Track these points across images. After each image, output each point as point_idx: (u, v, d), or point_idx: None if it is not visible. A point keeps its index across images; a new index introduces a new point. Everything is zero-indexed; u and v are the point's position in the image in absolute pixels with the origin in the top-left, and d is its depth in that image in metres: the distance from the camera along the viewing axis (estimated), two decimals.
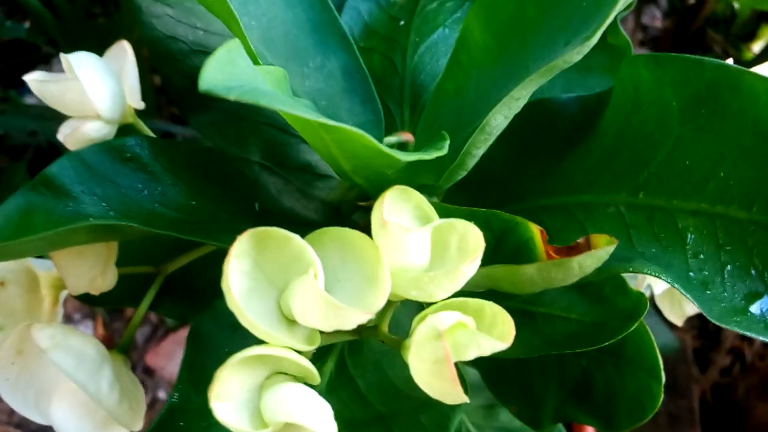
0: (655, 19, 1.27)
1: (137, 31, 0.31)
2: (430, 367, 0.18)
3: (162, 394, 0.94)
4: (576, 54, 0.19)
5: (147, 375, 0.97)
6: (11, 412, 1.00)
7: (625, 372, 0.29)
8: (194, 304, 0.33)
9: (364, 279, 0.19)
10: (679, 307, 0.32)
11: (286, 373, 0.19)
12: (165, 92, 1.02)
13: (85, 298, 0.31)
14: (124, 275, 0.30)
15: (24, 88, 1.14)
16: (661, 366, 0.27)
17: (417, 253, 0.19)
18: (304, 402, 0.17)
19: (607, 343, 0.25)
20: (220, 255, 0.34)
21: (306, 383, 0.19)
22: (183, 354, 0.23)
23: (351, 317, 0.17)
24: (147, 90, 0.78)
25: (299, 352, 0.19)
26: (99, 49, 0.28)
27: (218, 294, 0.28)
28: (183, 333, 1.00)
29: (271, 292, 0.19)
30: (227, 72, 0.17)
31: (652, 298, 0.36)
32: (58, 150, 1.01)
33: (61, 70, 0.27)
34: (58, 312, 0.30)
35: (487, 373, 0.34)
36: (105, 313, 0.96)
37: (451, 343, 0.18)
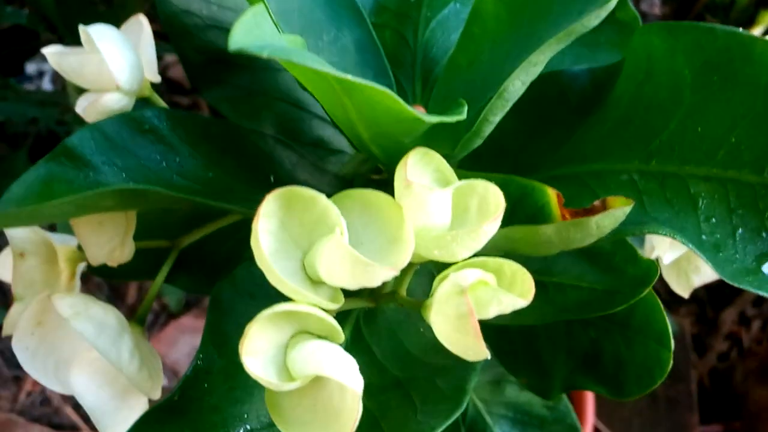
0: (654, 5, 1.27)
1: (141, 15, 0.31)
2: (454, 322, 0.18)
3: (165, 381, 0.95)
4: (594, 18, 0.20)
5: None
6: (14, 399, 1.00)
7: (634, 341, 0.30)
8: (209, 278, 0.34)
9: (387, 239, 0.19)
10: (686, 278, 0.33)
11: (310, 332, 0.20)
12: (165, 79, 1.02)
13: (102, 271, 0.32)
14: (139, 249, 0.30)
15: (23, 76, 1.14)
16: (671, 334, 0.28)
17: (439, 213, 0.19)
18: (331, 356, 0.18)
19: (618, 309, 0.25)
20: (235, 229, 0.34)
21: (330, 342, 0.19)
22: (206, 318, 0.24)
23: (377, 273, 0.18)
24: None
25: (324, 310, 0.19)
26: None
27: (235, 265, 0.28)
28: (185, 320, 1.00)
29: (296, 252, 0.20)
30: (254, 34, 0.18)
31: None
32: (58, 138, 1.02)
33: None
34: (75, 285, 0.31)
35: (497, 346, 0.35)
36: (106, 299, 0.97)
37: (474, 300, 0.18)
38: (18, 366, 1.01)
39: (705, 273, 0.33)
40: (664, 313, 0.28)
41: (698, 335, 1.02)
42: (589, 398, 0.69)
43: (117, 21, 0.29)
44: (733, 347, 1.02)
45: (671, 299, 0.99)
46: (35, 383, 1.01)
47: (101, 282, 0.95)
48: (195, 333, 1.00)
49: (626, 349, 0.30)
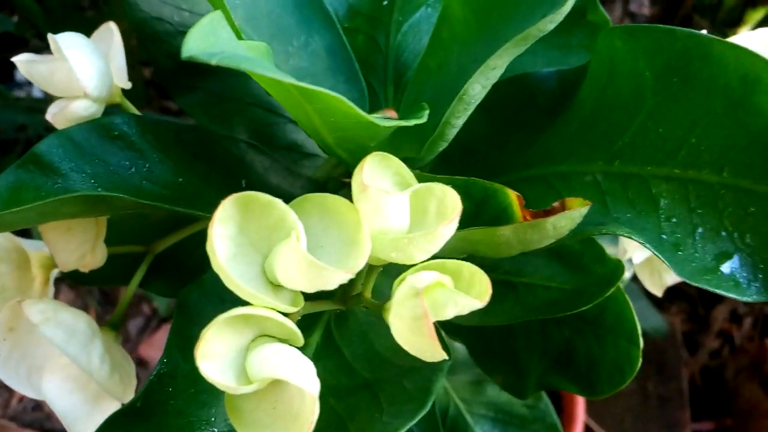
0: (642, 6, 1.27)
1: (126, 22, 0.31)
2: (409, 324, 0.18)
3: None
4: (549, 22, 0.20)
5: (140, 366, 0.97)
6: (6, 405, 1.00)
7: (606, 340, 0.30)
8: (184, 282, 0.34)
9: (345, 242, 0.20)
10: (658, 277, 0.33)
11: (270, 336, 0.20)
12: (155, 85, 1.02)
13: (76, 277, 0.32)
14: (114, 255, 0.30)
15: (12, 83, 1.14)
16: (639, 332, 0.28)
17: (396, 216, 0.19)
18: (288, 359, 0.18)
19: (586, 307, 0.26)
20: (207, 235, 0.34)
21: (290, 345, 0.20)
22: (171, 323, 0.24)
23: (332, 277, 0.18)
24: (137, 82, 0.78)
25: (284, 315, 0.19)
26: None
27: (206, 269, 0.28)
28: None
29: (255, 257, 0.20)
30: (209, 41, 0.18)
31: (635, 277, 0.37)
32: None
33: None
34: (49, 291, 0.31)
35: (474, 347, 0.35)
36: (97, 304, 0.97)
37: (430, 302, 0.18)
38: None
39: None
40: (633, 311, 0.28)
41: (690, 333, 1.03)
42: (579, 396, 0.69)
43: (98, 26, 0.29)
44: (725, 345, 1.02)
45: (662, 297, 1.00)
46: None
47: (93, 287, 0.95)
48: None
49: (598, 347, 0.30)
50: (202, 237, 0.34)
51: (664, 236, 0.22)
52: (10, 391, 1.00)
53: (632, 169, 0.24)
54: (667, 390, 0.97)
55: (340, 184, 0.32)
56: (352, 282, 0.21)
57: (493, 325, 0.36)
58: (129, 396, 0.28)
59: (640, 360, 0.28)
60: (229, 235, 0.19)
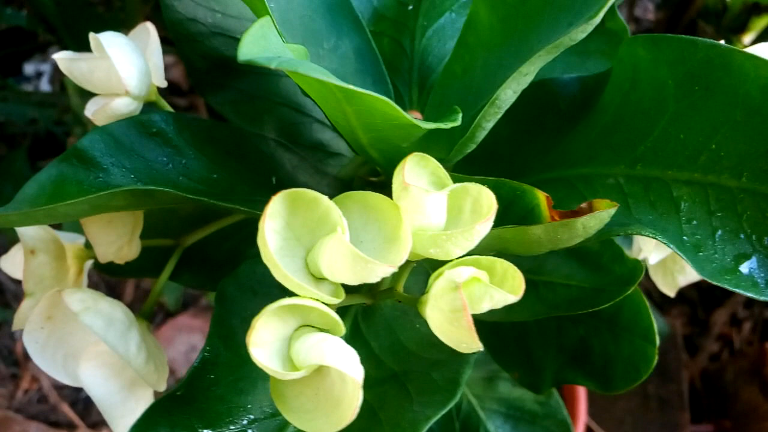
0: (647, 11, 1.29)
1: (141, 19, 0.32)
2: (448, 316, 0.20)
3: None
4: (581, 32, 0.21)
5: None
6: (11, 397, 1.01)
7: (621, 338, 0.31)
8: (210, 275, 0.35)
9: (385, 238, 0.21)
10: (671, 278, 0.34)
11: (312, 326, 0.21)
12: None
13: (109, 269, 0.33)
14: (145, 247, 0.31)
15: (21, 77, 1.14)
16: (656, 330, 0.29)
17: (435, 214, 0.20)
18: (333, 347, 0.19)
19: (605, 306, 0.27)
20: (236, 229, 0.35)
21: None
22: (213, 312, 0.25)
23: (377, 270, 0.19)
24: None
25: (325, 305, 0.20)
26: None
27: (237, 262, 0.29)
28: (182, 319, 1.01)
29: (299, 250, 0.21)
30: (261, 45, 0.19)
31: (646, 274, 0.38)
32: (56, 138, 1.02)
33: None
34: (83, 281, 0.32)
35: (491, 343, 0.36)
36: None
37: (467, 295, 0.19)
38: (15, 363, 1.02)
39: (690, 273, 0.34)
40: (650, 311, 0.29)
41: (690, 336, 1.04)
42: (581, 397, 0.70)
43: (116, 23, 0.30)
44: (724, 348, 1.03)
45: (663, 300, 1.00)
46: (32, 381, 1.02)
47: (99, 281, 0.96)
48: (191, 332, 1.01)
49: (614, 345, 0.31)
50: (230, 231, 0.35)
51: (685, 238, 0.23)
52: (15, 384, 1.01)
53: (654, 172, 0.25)
54: (667, 392, 0.98)
55: (365, 183, 0.33)
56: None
57: (509, 324, 0.37)
58: (162, 383, 0.29)
59: (656, 358, 0.29)
60: (276, 229, 0.20)
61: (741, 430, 0.95)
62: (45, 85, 1.14)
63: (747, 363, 0.99)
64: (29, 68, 1.15)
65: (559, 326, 0.34)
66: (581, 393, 0.70)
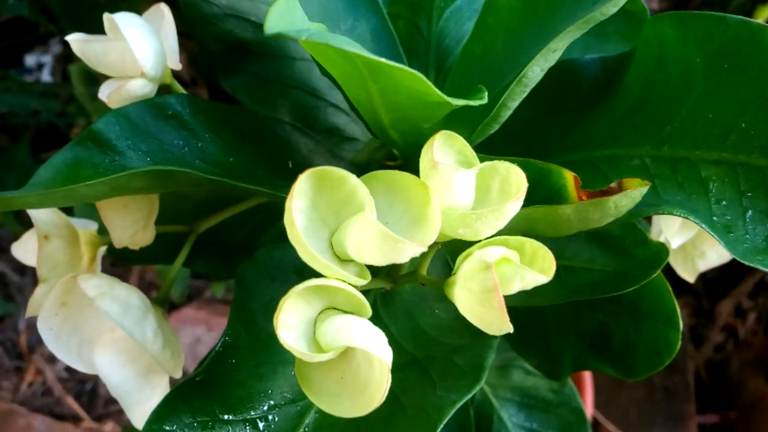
0: (651, 0, 1.28)
1: (144, 8, 0.32)
2: (479, 297, 0.19)
3: None
4: (612, 6, 0.20)
5: None
6: (15, 390, 1.01)
7: (642, 323, 0.30)
8: (224, 262, 0.34)
9: (412, 219, 0.20)
10: (691, 263, 0.34)
11: (337, 308, 0.20)
12: None
13: (123, 255, 0.32)
14: (159, 233, 0.31)
15: (22, 68, 1.14)
16: (679, 315, 0.29)
17: (464, 193, 0.20)
18: (362, 328, 0.19)
19: (628, 290, 0.26)
20: (251, 214, 0.35)
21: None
22: (233, 296, 0.24)
23: (407, 250, 0.18)
24: None
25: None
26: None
27: (252, 248, 0.29)
28: (187, 311, 1.01)
29: (324, 231, 0.20)
30: (287, 19, 0.19)
31: None
32: (59, 130, 1.02)
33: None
34: (96, 268, 0.31)
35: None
36: None
37: (498, 275, 0.19)
38: (19, 356, 1.02)
39: (710, 258, 0.34)
40: (673, 295, 0.29)
41: (695, 327, 1.03)
42: (588, 388, 0.70)
43: (118, 10, 0.29)
44: (729, 339, 1.03)
45: None
46: (36, 374, 1.02)
47: (102, 271, 0.96)
48: (196, 324, 1.01)
49: (634, 330, 0.31)
50: (244, 217, 0.35)
51: (714, 218, 0.23)
52: (19, 376, 1.01)
53: (681, 153, 0.24)
54: (673, 383, 0.98)
55: (381, 167, 0.32)
56: None
57: (524, 310, 0.36)
58: (179, 370, 0.28)
59: (679, 343, 0.28)
60: (302, 209, 0.19)
61: (746, 420, 0.95)
62: (46, 77, 1.14)
63: (752, 354, 0.99)
64: (30, 60, 1.15)
65: (577, 312, 0.34)
66: (588, 384, 0.70)
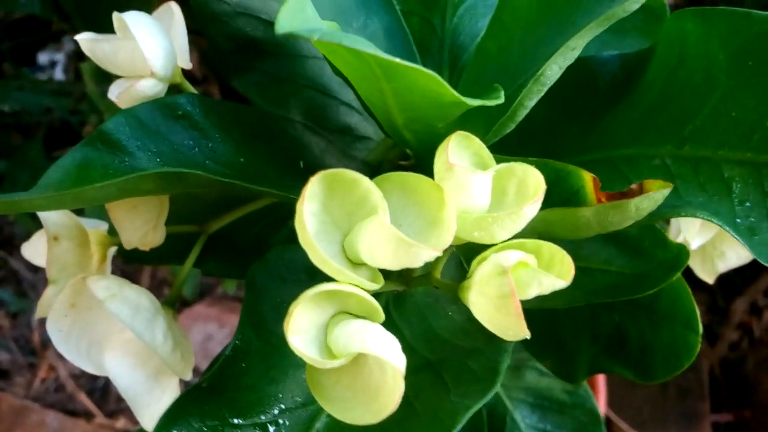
0: None
1: (155, 7, 0.31)
2: (495, 302, 0.19)
3: None
4: (635, 2, 0.20)
5: None
6: (28, 386, 1.01)
7: (660, 325, 0.30)
8: (235, 262, 0.34)
9: (426, 222, 0.20)
10: (711, 264, 0.33)
11: (349, 313, 0.20)
12: None
13: (133, 256, 0.32)
14: (169, 234, 0.31)
15: (35, 66, 1.14)
16: (698, 317, 0.28)
17: (480, 195, 0.19)
18: (375, 334, 0.18)
19: (647, 293, 0.26)
20: (262, 215, 0.34)
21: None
22: (243, 299, 0.24)
23: (421, 254, 0.18)
24: None
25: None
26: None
27: (263, 249, 0.29)
28: (198, 308, 1.01)
29: (336, 235, 0.20)
30: (299, 18, 0.18)
31: None
32: (71, 127, 1.02)
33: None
34: (106, 268, 0.31)
35: None
36: None
37: (515, 280, 0.18)
38: (32, 353, 1.03)
39: (730, 259, 0.33)
40: (692, 297, 0.28)
41: (709, 325, 1.02)
42: (601, 387, 0.69)
43: (130, 8, 0.29)
44: (744, 337, 1.02)
45: None
46: (49, 370, 1.02)
47: (114, 270, 0.96)
48: (207, 321, 1.01)
49: (652, 333, 0.30)
50: (254, 218, 0.34)
51: (738, 220, 0.22)
52: (32, 373, 1.02)
53: (704, 153, 0.24)
54: (687, 381, 0.97)
55: (394, 167, 0.32)
56: None
57: (538, 311, 0.36)
58: (189, 372, 0.28)
59: (699, 346, 0.28)
60: (314, 212, 0.19)
61: (761, 419, 0.94)
62: (59, 75, 1.14)
63: (767, 352, 0.98)
64: (43, 57, 1.15)
65: (593, 313, 0.33)
66: (601, 383, 0.69)
